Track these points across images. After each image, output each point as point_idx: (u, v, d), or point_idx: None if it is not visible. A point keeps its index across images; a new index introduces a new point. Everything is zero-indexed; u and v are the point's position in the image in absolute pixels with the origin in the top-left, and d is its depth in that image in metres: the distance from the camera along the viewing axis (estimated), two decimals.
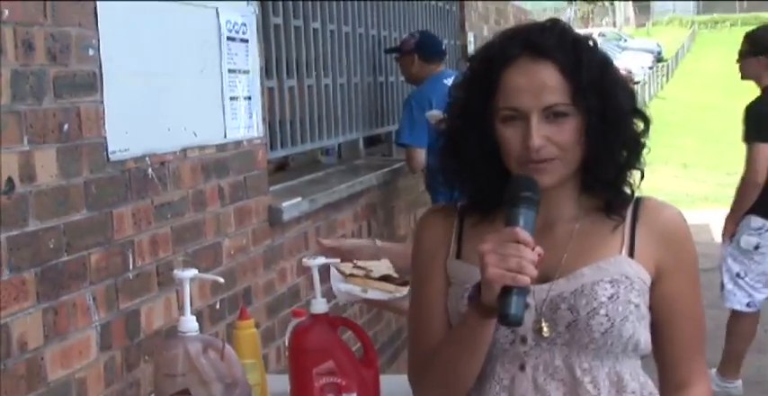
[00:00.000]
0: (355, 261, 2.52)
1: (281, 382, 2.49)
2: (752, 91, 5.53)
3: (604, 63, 1.86)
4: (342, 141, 5.47)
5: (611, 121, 1.81)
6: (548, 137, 1.78)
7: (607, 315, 1.80)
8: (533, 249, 1.69)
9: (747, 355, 5.65)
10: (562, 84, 1.79)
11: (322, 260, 2.41)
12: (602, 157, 1.83)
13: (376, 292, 2.45)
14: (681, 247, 1.90)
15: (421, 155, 5.51)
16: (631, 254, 1.85)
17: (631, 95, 1.90)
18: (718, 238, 5.77)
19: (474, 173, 1.87)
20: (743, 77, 5.58)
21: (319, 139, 5.00)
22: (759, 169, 5.29)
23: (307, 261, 2.42)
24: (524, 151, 1.79)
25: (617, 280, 1.82)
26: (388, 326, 5.46)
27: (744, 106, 5.49)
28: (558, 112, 1.79)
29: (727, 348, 5.58)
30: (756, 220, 5.39)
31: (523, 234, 1.69)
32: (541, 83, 1.79)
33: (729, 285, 5.55)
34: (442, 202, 4.80)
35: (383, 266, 2.49)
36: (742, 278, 5.51)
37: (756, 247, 5.43)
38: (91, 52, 2.57)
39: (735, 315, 5.59)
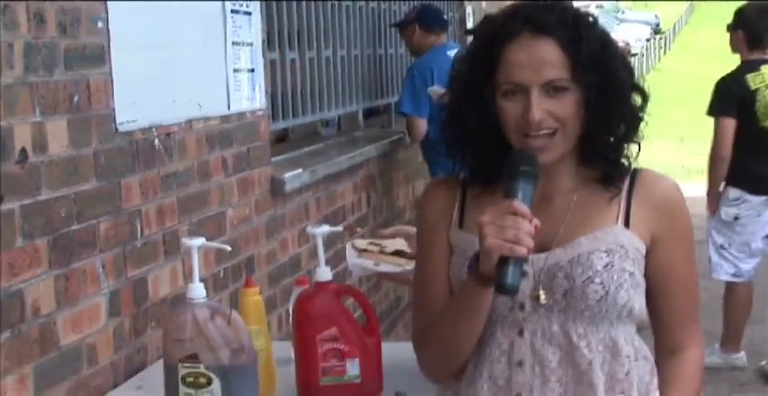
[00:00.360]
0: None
1: (285, 349, 2.55)
2: None
3: (604, 39, 1.90)
4: (342, 113, 5.50)
5: (609, 95, 1.85)
6: (548, 110, 1.83)
7: (602, 283, 1.85)
8: (531, 221, 1.74)
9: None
10: (562, 59, 1.83)
11: (326, 229, 2.47)
12: (600, 130, 1.88)
13: (388, 266, 2.54)
14: (675, 217, 1.95)
15: (422, 124, 5.53)
16: (627, 224, 1.90)
17: (630, 71, 1.94)
18: None
19: (476, 146, 1.92)
20: (732, 51, 5.66)
21: (320, 111, 5.04)
22: (724, 142, 5.42)
23: (311, 230, 2.48)
24: (524, 124, 1.83)
25: (612, 249, 1.87)
26: (387, 295, 5.52)
27: None
28: (558, 86, 1.83)
29: (727, 322, 5.64)
30: (734, 192, 5.48)
31: (521, 206, 1.74)
32: (542, 58, 1.83)
33: (715, 257, 5.62)
34: (441, 173, 4.88)
35: (397, 243, 2.57)
36: (726, 249, 5.58)
37: (736, 218, 5.51)
38: (100, 25, 2.60)
39: (729, 288, 5.64)
